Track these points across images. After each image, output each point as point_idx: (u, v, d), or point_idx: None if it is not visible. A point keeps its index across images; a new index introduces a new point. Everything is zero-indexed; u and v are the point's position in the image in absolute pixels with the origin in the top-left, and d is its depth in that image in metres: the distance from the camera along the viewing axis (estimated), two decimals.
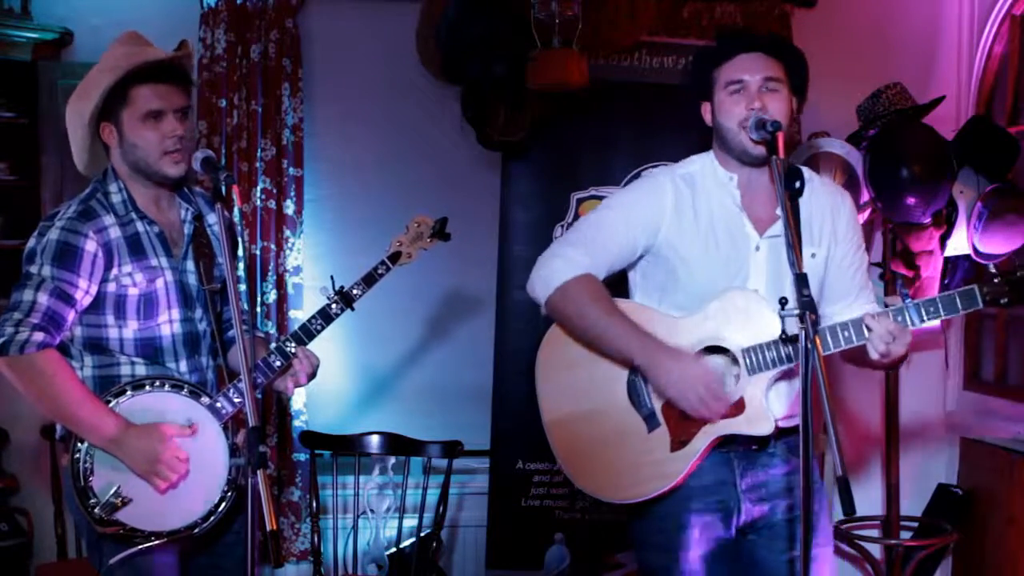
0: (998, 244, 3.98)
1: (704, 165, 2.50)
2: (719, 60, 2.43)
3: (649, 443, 2.43)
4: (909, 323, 2.32)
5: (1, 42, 4.14)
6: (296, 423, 4.35)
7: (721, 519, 2.46)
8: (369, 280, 2.74)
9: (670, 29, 4.43)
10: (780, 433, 2.44)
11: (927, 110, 4.17)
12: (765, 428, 2.38)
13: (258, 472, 2.15)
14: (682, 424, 2.40)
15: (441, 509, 3.83)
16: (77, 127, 2.59)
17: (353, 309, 2.74)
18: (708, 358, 2.40)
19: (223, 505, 2.54)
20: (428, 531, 3.95)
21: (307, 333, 2.67)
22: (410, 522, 4.02)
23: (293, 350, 2.65)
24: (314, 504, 3.86)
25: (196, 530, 2.52)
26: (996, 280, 2.31)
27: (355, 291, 2.72)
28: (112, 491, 2.44)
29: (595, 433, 2.50)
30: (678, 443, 2.40)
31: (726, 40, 2.49)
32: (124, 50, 2.58)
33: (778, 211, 2.38)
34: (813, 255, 2.44)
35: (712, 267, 2.42)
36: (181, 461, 2.47)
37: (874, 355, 2.32)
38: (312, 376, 2.72)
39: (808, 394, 2.09)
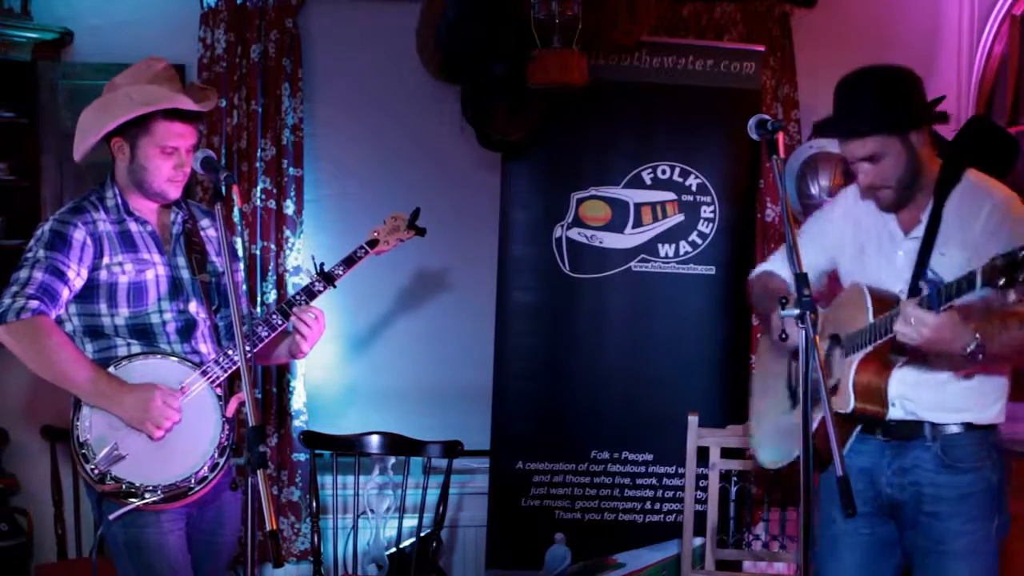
0: None
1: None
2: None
3: (792, 417, 2.74)
4: (929, 307, 2.35)
5: (1, 42, 4.13)
6: (296, 423, 4.35)
7: (869, 497, 2.69)
8: (349, 261, 2.90)
9: (670, 29, 4.42)
10: (934, 429, 2.60)
11: None
12: (843, 406, 2.58)
13: (258, 472, 2.19)
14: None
15: (441, 509, 3.84)
16: (89, 133, 2.72)
17: (335, 287, 2.88)
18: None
19: (217, 468, 2.64)
20: (428, 531, 3.95)
21: (291, 306, 2.82)
22: (410, 522, 4.02)
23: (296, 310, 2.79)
24: (314, 504, 3.87)
25: (190, 492, 2.61)
26: (995, 260, 2.20)
27: (337, 271, 2.88)
28: (108, 447, 2.58)
29: (765, 410, 2.94)
30: None
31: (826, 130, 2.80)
32: (156, 88, 2.71)
33: (922, 215, 2.62)
34: (943, 254, 2.57)
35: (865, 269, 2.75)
36: (173, 409, 2.59)
37: (901, 338, 2.42)
38: (321, 328, 2.82)
39: (808, 394, 2.17)
